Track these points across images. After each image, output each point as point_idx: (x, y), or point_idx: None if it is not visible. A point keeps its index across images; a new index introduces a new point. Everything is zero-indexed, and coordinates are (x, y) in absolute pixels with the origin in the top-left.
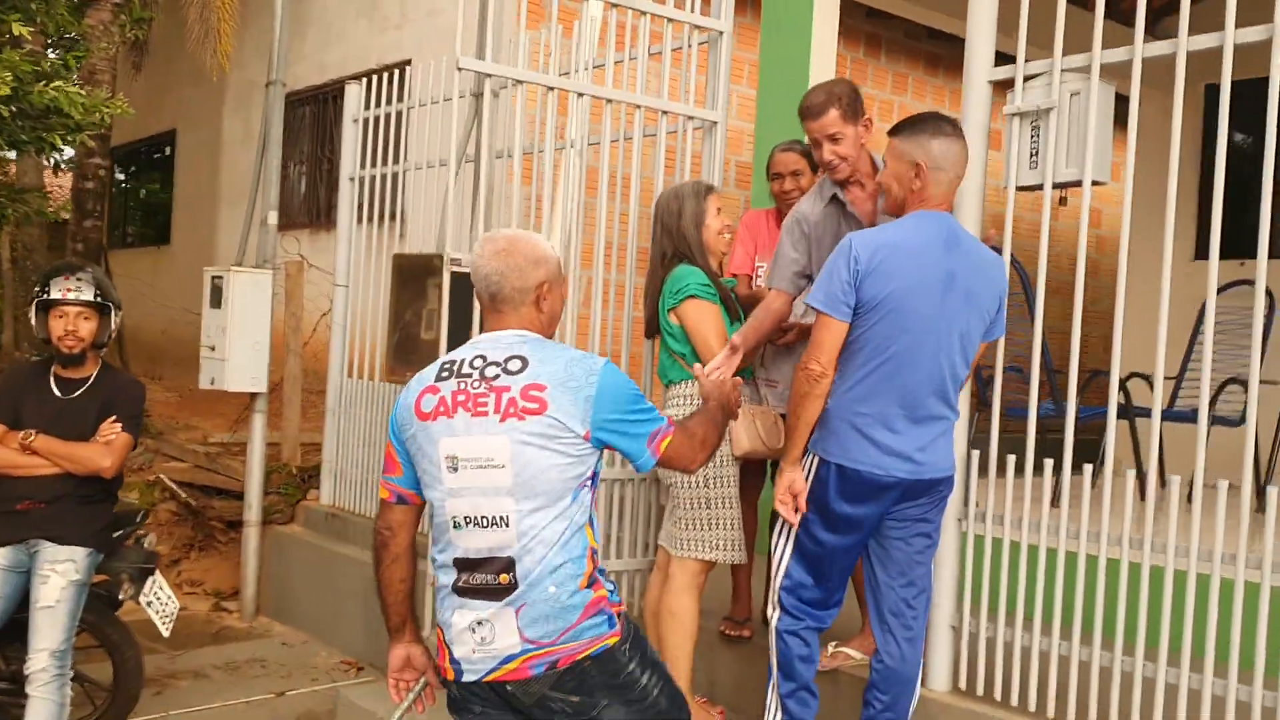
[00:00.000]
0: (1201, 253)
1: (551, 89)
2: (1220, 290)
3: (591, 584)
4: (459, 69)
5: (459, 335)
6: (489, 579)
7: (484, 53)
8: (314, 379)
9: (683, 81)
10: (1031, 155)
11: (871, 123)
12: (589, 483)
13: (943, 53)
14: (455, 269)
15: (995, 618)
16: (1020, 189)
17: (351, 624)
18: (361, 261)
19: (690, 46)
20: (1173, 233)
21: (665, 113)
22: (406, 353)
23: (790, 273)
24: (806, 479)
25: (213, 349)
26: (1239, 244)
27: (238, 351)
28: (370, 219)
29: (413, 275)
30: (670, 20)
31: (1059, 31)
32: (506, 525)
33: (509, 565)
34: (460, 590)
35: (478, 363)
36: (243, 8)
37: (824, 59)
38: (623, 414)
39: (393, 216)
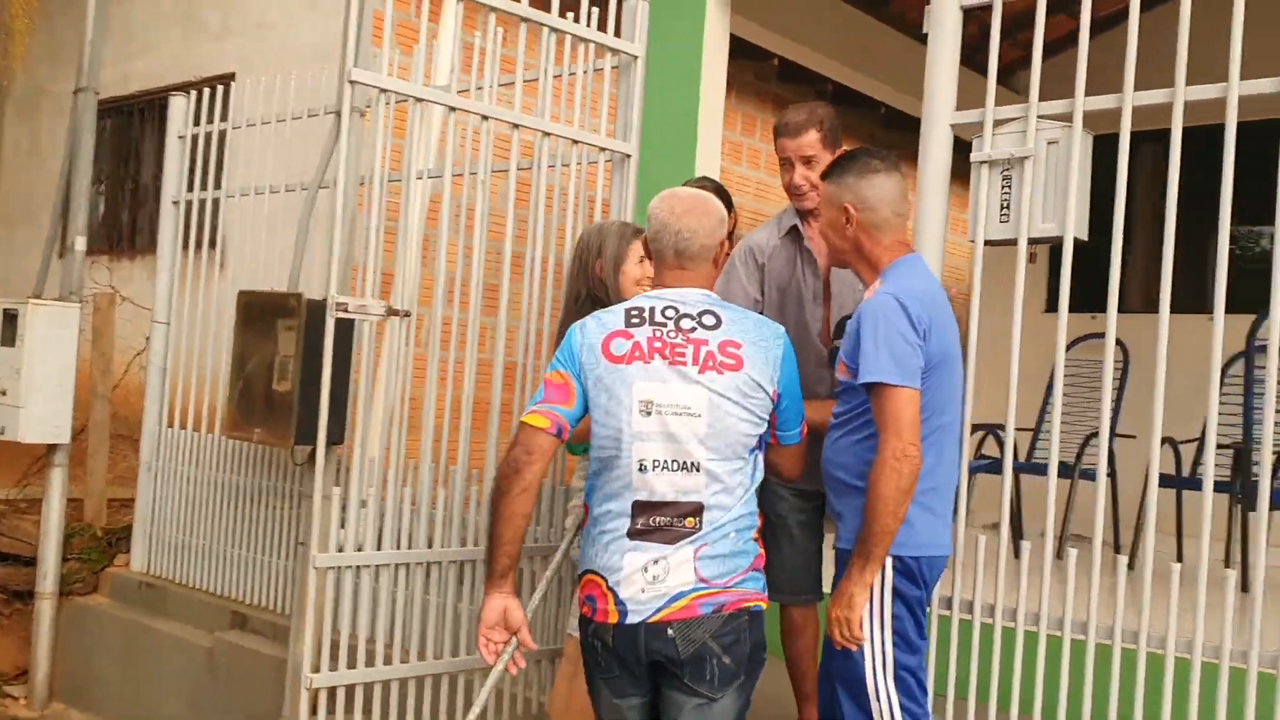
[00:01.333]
0: (1052, 306)
1: (454, 109)
2: (1072, 344)
3: (759, 540)
4: (351, 81)
5: (340, 388)
6: (674, 521)
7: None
8: (123, 426)
9: (586, 108)
10: (1003, 208)
11: None
12: (761, 444)
13: (792, 96)
14: (342, 314)
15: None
16: (990, 243)
17: (173, 712)
18: (188, 296)
19: (589, 72)
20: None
21: (576, 142)
22: (252, 404)
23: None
24: (881, 590)
25: (3, 394)
26: (1090, 297)
27: (36, 397)
28: (197, 247)
29: (261, 316)
30: (582, 40)
31: (1035, 75)
32: (698, 470)
33: (697, 510)
34: (637, 533)
35: (670, 313)
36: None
37: (713, 94)
38: (796, 382)
39: (223, 247)
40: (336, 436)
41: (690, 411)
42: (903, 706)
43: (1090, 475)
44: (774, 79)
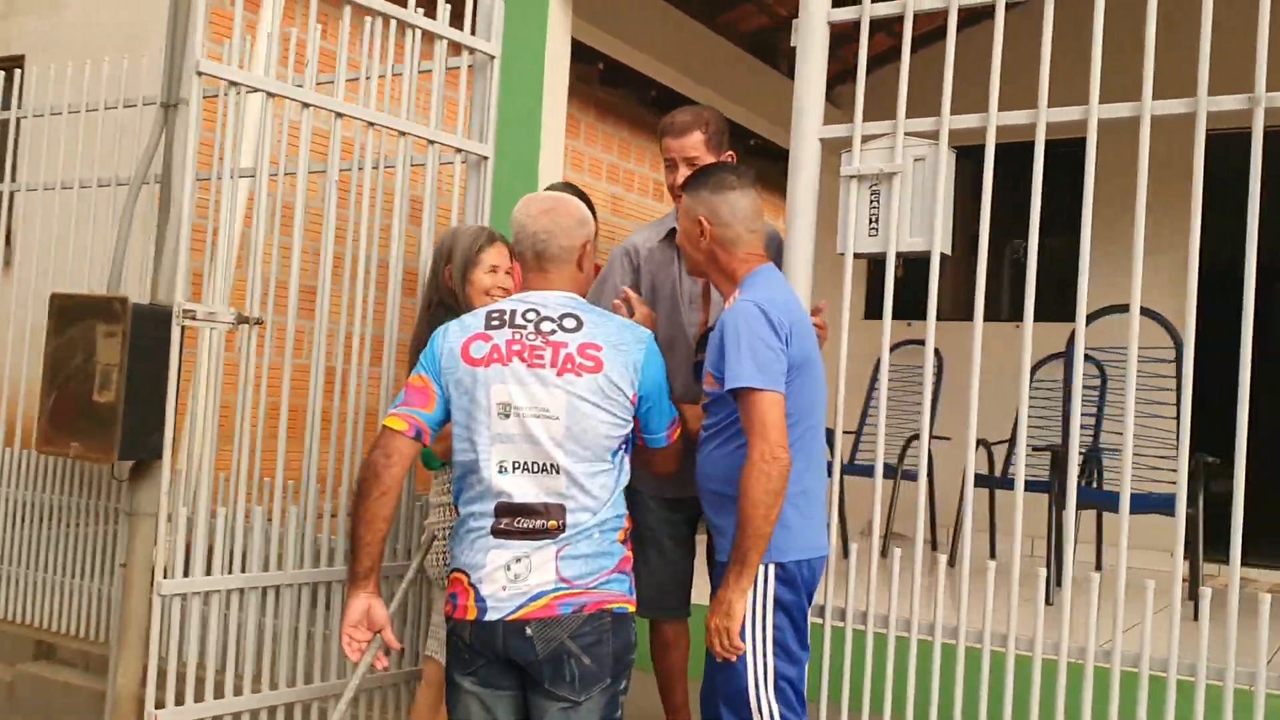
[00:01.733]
0: (870, 313)
1: (307, 105)
2: (891, 350)
3: (625, 542)
4: (198, 73)
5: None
6: (538, 524)
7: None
8: None
9: (440, 108)
10: (871, 222)
11: (734, 159)
12: (625, 446)
13: (614, 99)
14: (189, 322)
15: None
16: (859, 256)
17: None
18: None
19: (443, 71)
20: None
21: (432, 142)
22: (70, 417)
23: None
24: (763, 599)
25: None
26: (908, 305)
27: None
28: None
29: (78, 321)
30: (438, 38)
31: (902, 91)
32: (558, 472)
33: (559, 511)
34: (500, 532)
35: (531, 315)
36: None
37: (556, 96)
38: (661, 386)
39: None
40: (158, 450)
41: (549, 414)
42: (782, 717)
43: (910, 475)
44: (598, 82)
